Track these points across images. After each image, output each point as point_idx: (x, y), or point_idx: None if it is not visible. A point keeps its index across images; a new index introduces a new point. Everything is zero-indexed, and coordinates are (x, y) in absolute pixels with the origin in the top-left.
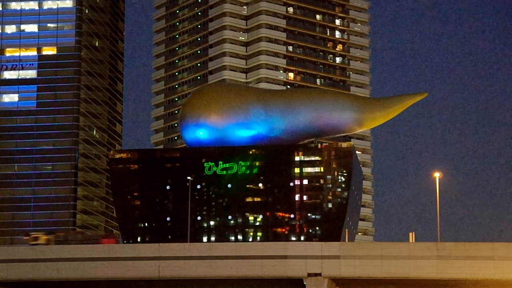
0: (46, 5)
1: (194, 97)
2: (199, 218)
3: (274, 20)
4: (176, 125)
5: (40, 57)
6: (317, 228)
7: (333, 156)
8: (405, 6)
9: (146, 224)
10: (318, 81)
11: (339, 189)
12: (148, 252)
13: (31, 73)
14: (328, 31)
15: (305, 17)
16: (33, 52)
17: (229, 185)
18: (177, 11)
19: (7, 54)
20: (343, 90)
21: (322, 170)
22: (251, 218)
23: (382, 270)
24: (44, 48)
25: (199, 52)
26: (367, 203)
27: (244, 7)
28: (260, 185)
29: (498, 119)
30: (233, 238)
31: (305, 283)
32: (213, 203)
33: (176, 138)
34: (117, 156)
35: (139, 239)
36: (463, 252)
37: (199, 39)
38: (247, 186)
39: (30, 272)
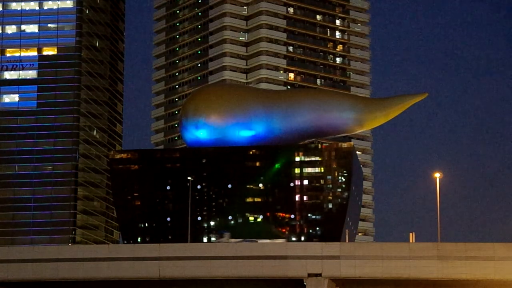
0: (47, 6)
1: (195, 97)
2: (199, 218)
3: (274, 21)
4: (176, 125)
5: (41, 57)
6: (317, 228)
7: (334, 156)
8: (405, 6)
9: (146, 224)
10: (318, 81)
11: (339, 190)
12: (148, 252)
13: (31, 74)
14: (328, 32)
15: (306, 17)
16: (33, 53)
17: (229, 185)
18: (178, 12)
19: (8, 55)
20: (343, 91)
21: (322, 170)
22: (251, 218)
23: (382, 271)
24: (44, 48)
25: (199, 52)
26: (367, 204)
27: (245, 7)
28: (260, 185)
29: (498, 119)
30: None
31: (305, 283)
32: (213, 203)
33: (176, 138)
34: (118, 156)
35: (139, 239)
36: (463, 252)
37: (199, 39)
38: (247, 186)
39: (30, 272)
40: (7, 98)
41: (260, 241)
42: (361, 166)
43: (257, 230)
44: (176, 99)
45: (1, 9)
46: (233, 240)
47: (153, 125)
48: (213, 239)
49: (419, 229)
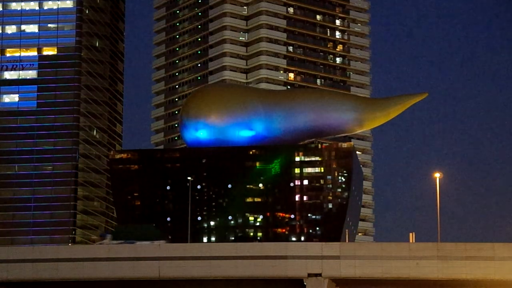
0: (47, 6)
1: (194, 97)
2: (199, 218)
3: (274, 21)
4: (176, 125)
5: (41, 57)
6: (317, 228)
7: (334, 156)
8: (405, 7)
9: None
10: (318, 81)
11: (339, 190)
12: (148, 252)
13: (31, 74)
14: (328, 32)
15: (306, 17)
16: (33, 53)
17: (229, 185)
18: (178, 12)
19: (8, 55)
20: (343, 91)
21: (322, 170)
22: (251, 218)
23: (382, 271)
24: (44, 48)
25: (199, 52)
26: (367, 204)
27: (244, 7)
28: (260, 185)
29: (498, 119)
30: (233, 238)
31: (305, 283)
32: (213, 203)
33: (176, 138)
34: (118, 156)
35: None
36: (463, 252)
37: (199, 39)
38: (247, 186)
39: (30, 272)
40: (7, 98)
41: (139, 242)
42: (361, 166)
43: (141, 232)
44: (176, 99)
45: (1, 9)
46: (114, 242)
47: (153, 125)
48: (97, 241)
49: (419, 229)
